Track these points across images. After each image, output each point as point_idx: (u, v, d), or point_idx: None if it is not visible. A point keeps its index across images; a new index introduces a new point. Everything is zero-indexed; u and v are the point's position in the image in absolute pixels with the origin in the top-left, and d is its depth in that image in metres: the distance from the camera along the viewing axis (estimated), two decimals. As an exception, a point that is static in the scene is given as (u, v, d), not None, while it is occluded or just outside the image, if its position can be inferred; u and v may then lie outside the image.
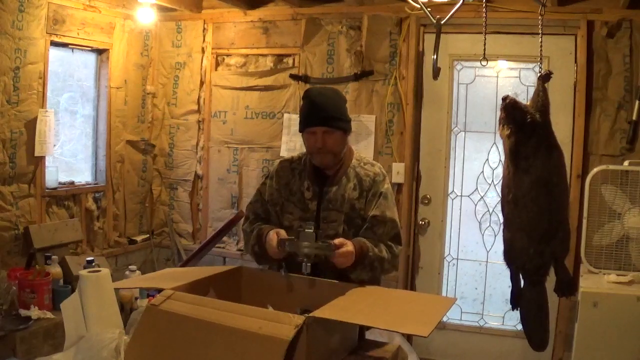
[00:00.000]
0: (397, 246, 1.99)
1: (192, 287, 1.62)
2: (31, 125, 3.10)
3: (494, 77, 3.40)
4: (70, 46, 3.38)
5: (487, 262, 3.44)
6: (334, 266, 1.83)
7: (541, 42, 2.11)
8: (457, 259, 3.52)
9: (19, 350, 2.41)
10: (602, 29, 3.05)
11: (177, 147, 4.01)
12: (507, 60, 3.35)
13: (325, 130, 1.95)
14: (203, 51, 3.90)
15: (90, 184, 3.65)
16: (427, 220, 3.51)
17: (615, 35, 3.03)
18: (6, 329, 2.42)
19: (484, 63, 2.25)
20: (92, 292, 1.70)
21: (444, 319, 3.16)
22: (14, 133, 3.04)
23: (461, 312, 3.49)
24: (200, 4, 3.85)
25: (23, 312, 2.55)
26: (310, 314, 1.36)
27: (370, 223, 1.96)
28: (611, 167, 2.63)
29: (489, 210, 3.44)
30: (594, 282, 2.51)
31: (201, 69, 3.92)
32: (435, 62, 2.41)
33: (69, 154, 3.62)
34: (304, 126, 2.00)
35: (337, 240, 1.81)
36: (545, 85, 2.08)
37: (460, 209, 3.49)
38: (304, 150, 2.08)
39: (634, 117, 2.99)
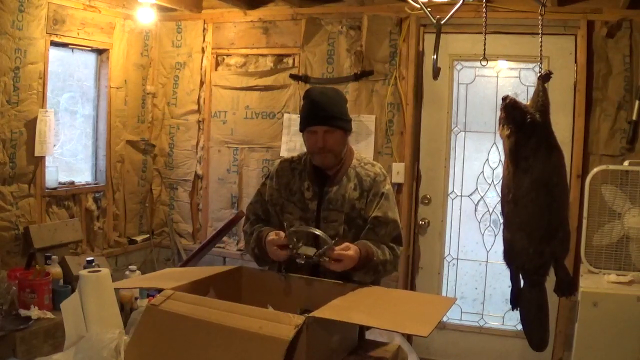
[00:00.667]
0: (399, 247, 2.00)
1: (192, 287, 1.62)
2: (31, 125, 3.10)
3: (494, 77, 3.40)
4: (70, 46, 3.38)
5: (487, 262, 3.44)
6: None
7: (541, 42, 2.11)
8: (457, 259, 3.52)
9: (19, 350, 2.41)
10: (602, 29, 3.05)
11: (177, 147, 4.01)
12: (507, 60, 3.35)
13: (327, 129, 1.94)
14: (203, 51, 3.90)
15: (90, 184, 3.65)
16: (427, 220, 3.51)
17: (615, 35, 3.03)
18: (6, 329, 2.42)
19: (484, 63, 2.25)
20: (92, 292, 1.70)
21: (444, 319, 3.16)
22: (14, 133, 3.04)
23: (461, 312, 3.49)
24: (200, 4, 3.85)
25: (23, 312, 2.55)
26: (310, 314, 1.36)
27: (372, 224, 1.96)
28: (611, 167, 2.63)
29: (489, 210, 3.44)
30: (594, 282, 2.51)
31: (201, 69, 3.92)
32: (435, 62, 2.41)
33: (69, 154, 3.62)
34: (304, 126, 2.00)
35: (342, 246, 1.81)
36: (545, 85, 2.08)
37: (460, 209, 3.49)
38: (304, 150, 2.08)
39: (634, 117, 2.99)
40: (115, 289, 1.80)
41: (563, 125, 3.10)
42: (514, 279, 2.17)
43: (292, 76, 3.67)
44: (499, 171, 3.24)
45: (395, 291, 2.06)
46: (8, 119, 2.99)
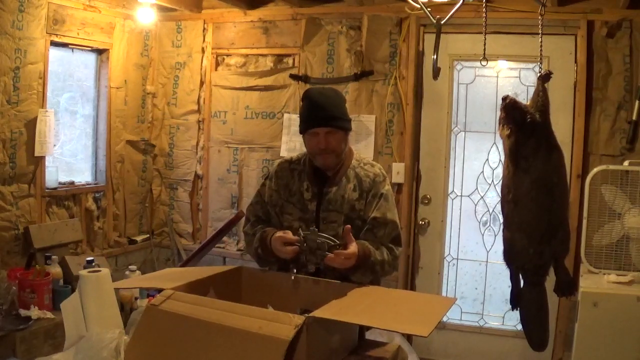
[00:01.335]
0: (398, 248, 1.99)
1: (192, 287, 1.62)
2: (31, 125, 3.10)
3: (494, 77, 3.40)
4: (70, 46, 3.38)
5: (487, 262, 3.44)
6: (335, 268, 1.83)
7: (541, 42, 2.11)
8: (457, 259, 3.52)
9: (19, 350, 2.41)
10: (602, 29, 3.05)
11: (177, 147, 4.01)
12: (507, 60, 3.35)
13: (328, 130, 1.94)
14: (203, 51, 3.90)
15: (90, 184, 3.65)
16: (427, 220, 3.51)
17: (615, 35, 3.03)
18: (6, 329, 2.42)
19: (484, 63, 2.25)
20: (92, 292, 1.70)
21: (444, 319, 3.16)
22: (14, 133, 3.04)
23: (461, 312, 3.49)
24: (200, 4, 3.85)
25: (23, 312, 2.55)
26: (310, 314, 1.36)
27: (370, 225, 1.96)
28: (611, 167, 2.63)
29: (489, 210, 3.44)
30: (594, 282, 2.51)
31: (201, 69, 3.92)
32: (435, 62, 2.41)
33: (69, 154, 3.62)
34: (305, 127, 1.99)
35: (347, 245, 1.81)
36: (545, 85, 2.08)
37: (460, 209, 3.49)
38: (304, 150, 2.07)
39: (634, 117, 2.99)
40: (115, 289, 1.80)
41: (563, 125, 3.10)
42: (514, 279, 2.17)
43: (292, 76, 3.67)
44: (499, 171, 3.24)
45: (395, 291, 2.06)
46: (8, 119, 2.99)
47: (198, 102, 3.94)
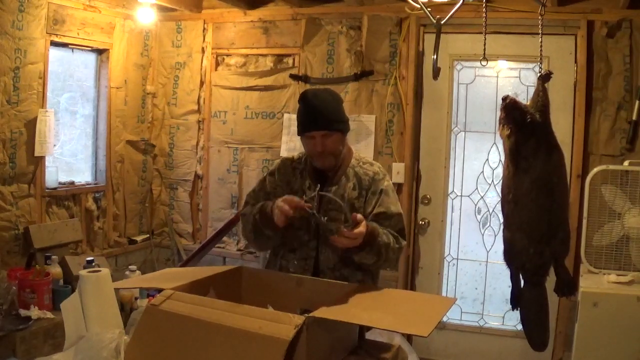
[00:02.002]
0: (403, 240, 1.99)
1: (192, 287, 1.62)
2: (31, 125, 3.10)
3: (494, 77, 3.40)
4: (70, 46, 3.38)
5: (487, 262, 3.44)
6: (336, 247, 1.83)
7: (541, 42, 2.11)
8: (457, 259, 3.52)
9: (19, 350, 2.41)
10: (602, 29, 3.05)
11: (177, 147, 4.01)
12: (507, 60, 3.35)
13: (324, 133, 1.95)
14: (203, 51, 3.90)
15: (90, 184, 3.65)
16: (427, 220, 3.51)
17: (615, 35, 3.03)
18: (6, 329, 2.42)
19: (484, 63, 2.25)
20: (92, 292, 1.70)
21: (444, 319, 3.16)
22: (14, 133, 3.04)
23: (461, 312, 3.49)
24: (200, 4, 3.85)
25: (23, 312, 2.55)
26: (310, 314, 1.36)
27: (375, 218, 1.96)
28: (611, 167, 2.64)
29: (489, 210, 3.44)
30: (594, 282, 2.51)
31: (201, 69, 3.92)
32: (435, 62, 2.41)
33: (69, 154, 3.62)
34: (302, 131, 2.00)
35: (358, 217, 1.79)
36: (545, 85, 2.08)
37: (460, 209, 3.49)
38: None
39: (634, 117, 2.99)
40: (115, 289, 1.80)
41: (563, 125, 3.10)
42: (514, 279, 2.17)
43: (292, 76, 3.67)
44: (499, 171, 3.24)
45: (395, 291, 2.06)
46: (8, 119, 2.99)
47: (198, 102, 3.94)
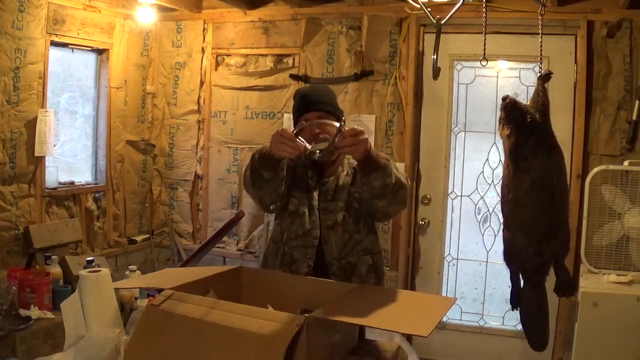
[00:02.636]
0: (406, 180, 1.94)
1: (192, 287, 1.62)
2: (31, 125, 3.10)
3: (494, 77, 3.40)
4: (70, 46, 3.39)
5: (487, 262, 3.44)
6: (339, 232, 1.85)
7: (541, 42, 2.10)
8: (457, 259, 3.52)
9: (19, 350, 2.41)
10: (602, 29, 3.05)
11: (177, 147, 4.01)
12: (507, 60, 3.35)
13: (320, 115, 1.98)
14: (203, 51, 3.90)
15: (90, 184, 3.65)
16: (427, 220, 3.51)
17: (615, 35, 3.03)
18: (6, 329, 2.42)
19: (484, 63, 2.24)
20: (92, 292, 1.70)
21: (444, 319, 3.16)
22: (14, 133, 3.04)
23: (461, 312, 3.49)
24: (200, 4, 3.85)
25: (23, 312, 2.55)
26: (310, 314, 1.36)
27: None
28: (611, 167, 2.63)
29: (489, 210, 3.44)
30: (594, 282, 2.51)
31: (201, 69, 3.92)
32: (435, 62, 2.40)
33: (69, 154, 3.62)
34: (298, 117, 2.04)
35: (350, 132, 1.78)
36: (545, 85, 2.08)
37: (460, 209, 3.49)
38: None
39: (634, 117, 2.99)
40: (115, 289, 1.80)
41: (563, 125, 3.10)
42: (514, 279, 2.17)
43: (292, 76, 3.67)
44: (499, 171, 3.24)
45: (395, 291, 2.05)
46: (8, 119, 2.99)
47: (198, 102, 3.94)
